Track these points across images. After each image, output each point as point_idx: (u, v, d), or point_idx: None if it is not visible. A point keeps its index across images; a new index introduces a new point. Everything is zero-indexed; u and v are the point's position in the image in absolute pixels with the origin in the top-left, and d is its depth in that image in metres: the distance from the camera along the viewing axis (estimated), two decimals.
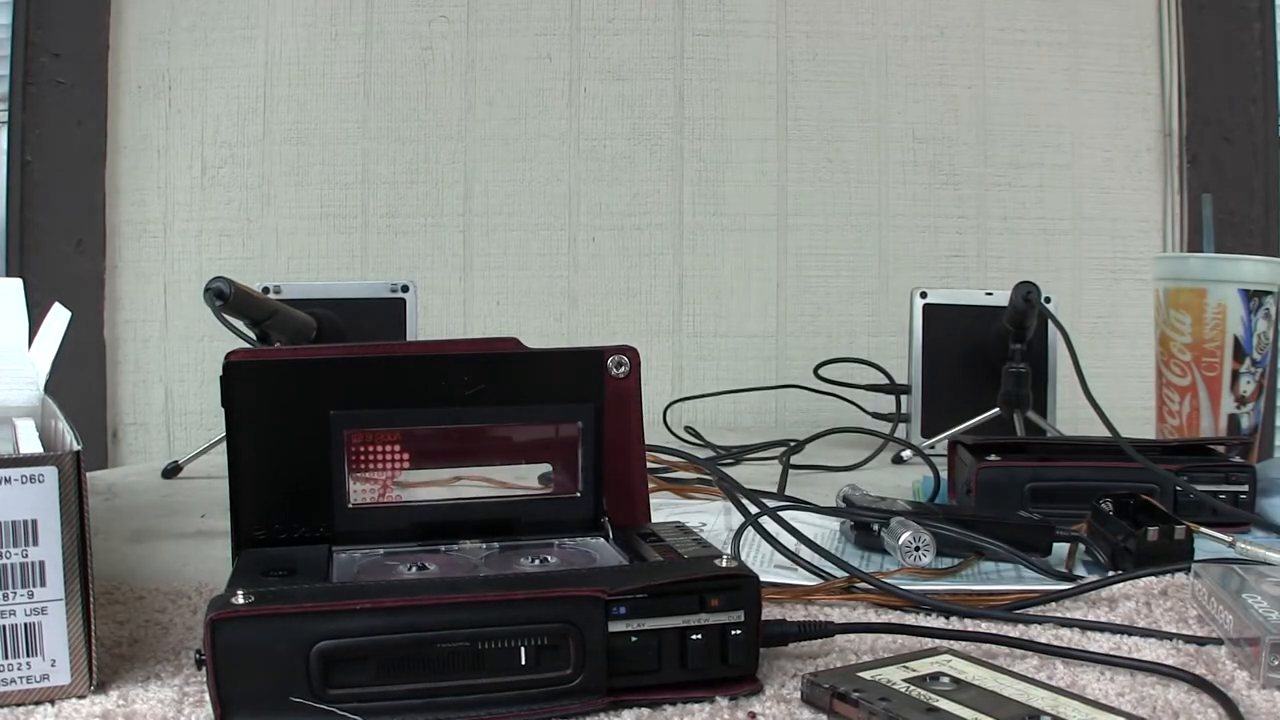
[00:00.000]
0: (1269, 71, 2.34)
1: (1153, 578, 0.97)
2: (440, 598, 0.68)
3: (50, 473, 0.68)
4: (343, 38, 2.22)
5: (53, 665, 0.69)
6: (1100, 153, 2.31)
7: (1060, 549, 1.06)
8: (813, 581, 0.96)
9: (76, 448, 0.70)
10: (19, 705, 0.69)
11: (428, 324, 1.94)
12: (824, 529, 1.14)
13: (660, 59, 2.25)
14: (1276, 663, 0.74)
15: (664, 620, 0.70)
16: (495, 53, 2.23)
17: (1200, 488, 1.18)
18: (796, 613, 0.89)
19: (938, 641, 0.80)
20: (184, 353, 2.20)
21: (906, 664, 0.73)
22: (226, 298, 1.38)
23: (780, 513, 1.07)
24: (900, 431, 1.79)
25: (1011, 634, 0.84)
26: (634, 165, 2.24)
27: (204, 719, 0.67)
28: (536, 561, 0.78)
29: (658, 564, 0.76)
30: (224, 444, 0.79)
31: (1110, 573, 1.00)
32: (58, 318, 1.00)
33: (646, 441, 0.89)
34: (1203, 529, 1.08)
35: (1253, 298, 1.46)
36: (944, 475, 1.34)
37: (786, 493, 1.31)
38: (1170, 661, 0.77)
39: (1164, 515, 1.04)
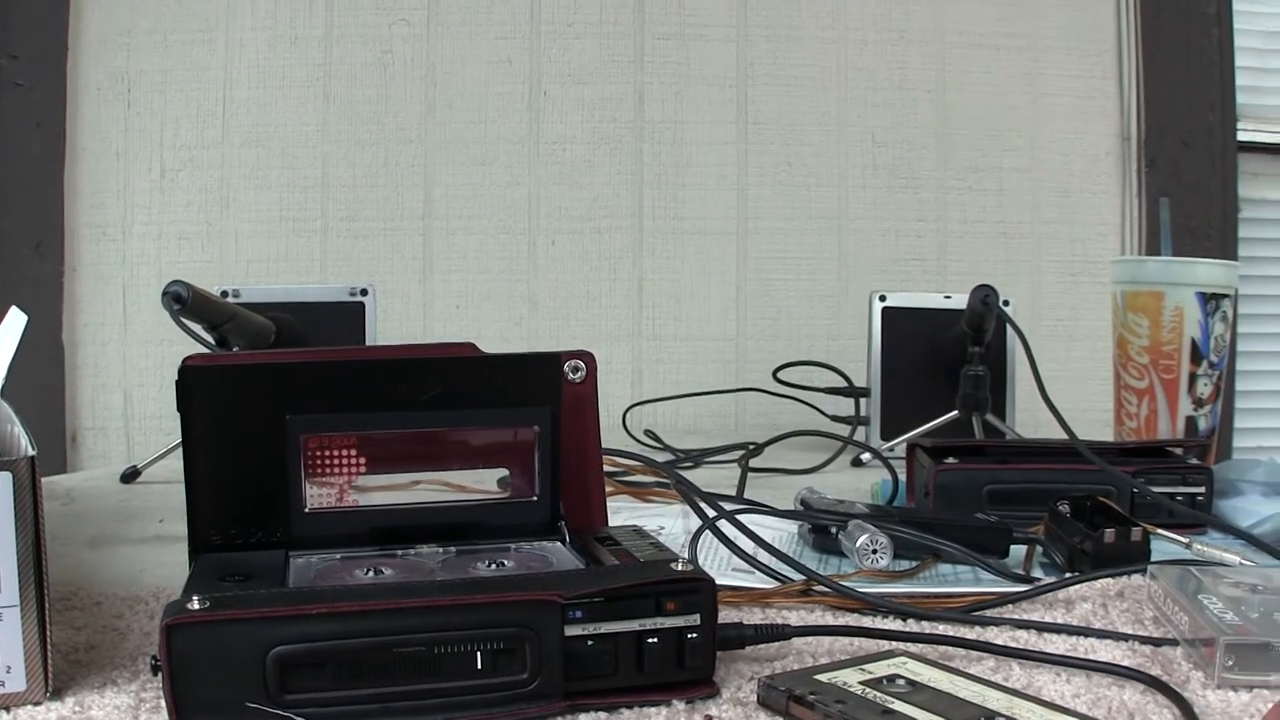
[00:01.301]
0: (1227, 77, 2.36)
1: (1109, 579, 0.98)
2: (396, 602, 0.68)
3: (4, 478, 0.68)
4: (302, 41, 2.22)
5: (8, 671, 0.69)
6: (1059, 157, 2.32)
7: (1018, 551, 1.06)
8: (770, 584, 0.96)
9: (31, 453, 0.69)
10: None
11: (387, 328, 1.94)
12: (782, 532, 1.14)
13: (620, 63, 2.25)
14: (1231, 663, 0.74)
15: (620, 624, 0.70)
16: (455, 56, 2.23)
17: (1157, 489, 1.19)
18: (754, 615, 0.89)
19: (894, 644, 0.81)
20: (143, 356, 2.19)
21: (863, 666, 0.73)
22: (184, 302, 1.38)
23: (737, 516, 1.07)
24: (859, 434, 1.80)
25: (968, 636, 0.84)
26: (594, 169, 2.24)
27: None
28: (493, 566, 0.78)
29: (614, 568, 0.76)
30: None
31: (1067, 574, 1.00)
32: (15, 321, 0.99)
33: (606, 445, 0.89)
34: (1159, 530, 1.09)
35: (1210, 301, 1.47)
36: (902, 478, 1.34)
37: (745, 496, 1.31)
38: (1126, 662, 0.78)
39: (1121, 517, 1.05)
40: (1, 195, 2.15)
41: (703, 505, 1.09)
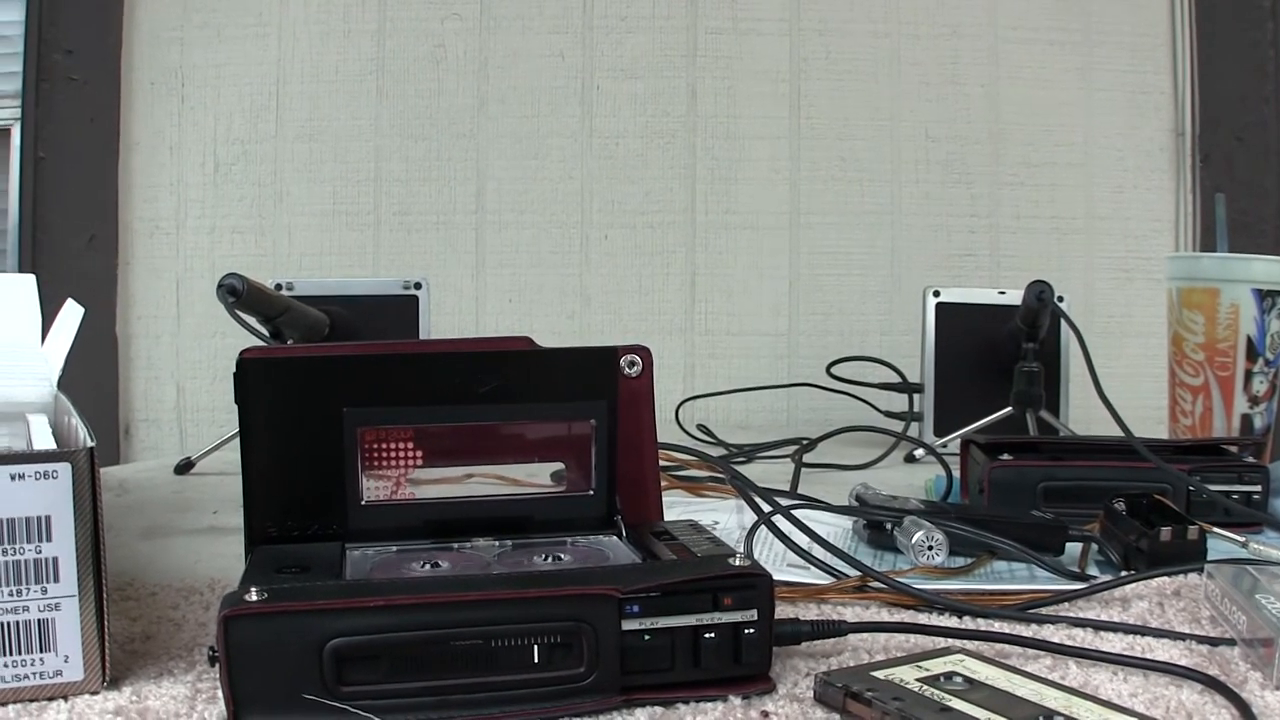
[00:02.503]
0: None
1: (1166, 578, 0.97)
2: (453, 595, 0.68)
3: (64, 469, 0.68)
4: (355, 35, 2.22)
5: (66, 661, 0.69)
6: (1113, 152, 2.31)
7: (1073, 549, 1.05)
8: (826, 580, 0.96)
9: (90, 444, 0.70)
10: (32, 701, 0.69)
11: (440, 321, 1.94)
12: (837, 528, 1.13)
13: (673, 57, 2.25)
14: None
15: (677, 619, 0.70)
16: (508, 50, 2.23)
17: (1213, 488, 1.18)
18: (809, 612, 0.89)
19: (951, 641, 0.80)
20: (196, 349, 2.20)
21: (919, 663, 0.73)
22: (240, 294, 1.39)
23: (793, 511, 1.06)
24: (913, 430, 1.79)
25: (1024, 634, 0.84)
26: (646, 163, 2.24)
27: (217, 716, 0.67)
28: (549, 559, 0.78)
29: (671, 562, 0.76)
30: (236, 440, 0.79)
31: (1123, 573, 1.00)
32: (70, 314, 1.00)
33: (659, 439, 0.89)
34: (1215, 529, 1.08)
35: (1266, 298, 1.45)
36: (956, 474, 1.34)
37: (799, 491, 1.31)
38: (1183, 662, 0.77)
39: (1177, 515, 1.04)
40: (56, 189, 2.16)
41: (758, 500, 1.09)
